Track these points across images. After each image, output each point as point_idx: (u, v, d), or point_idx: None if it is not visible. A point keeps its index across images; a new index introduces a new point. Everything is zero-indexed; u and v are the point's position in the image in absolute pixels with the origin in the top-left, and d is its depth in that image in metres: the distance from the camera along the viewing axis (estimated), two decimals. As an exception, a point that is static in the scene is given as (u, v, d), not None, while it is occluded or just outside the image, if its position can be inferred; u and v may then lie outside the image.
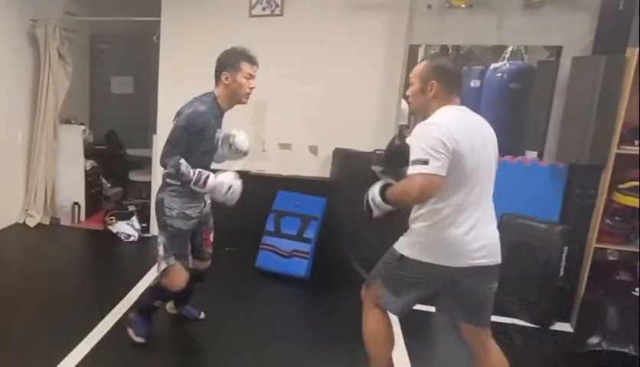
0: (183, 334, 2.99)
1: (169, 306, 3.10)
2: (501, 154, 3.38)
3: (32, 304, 3.20)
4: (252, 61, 2.57)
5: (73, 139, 4.84)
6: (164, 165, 2.48)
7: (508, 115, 3.46)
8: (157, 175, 4.53)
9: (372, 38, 3.89)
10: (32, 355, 2.63)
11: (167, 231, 2.58)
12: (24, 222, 4.74)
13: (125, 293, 3.36)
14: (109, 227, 4.48)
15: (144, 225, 4.52)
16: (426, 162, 1.80)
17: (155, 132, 4.53)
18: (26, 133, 4.81)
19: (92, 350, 2.71)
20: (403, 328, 3.02)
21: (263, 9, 4.12)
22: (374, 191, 2.07)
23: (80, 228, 4.77)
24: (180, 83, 4.36)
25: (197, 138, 2.49)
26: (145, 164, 4.98)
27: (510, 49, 3.56)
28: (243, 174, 4.21)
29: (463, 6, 3.53)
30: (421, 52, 3.82)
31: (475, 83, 3.67)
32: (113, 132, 5.56)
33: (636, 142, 3.07)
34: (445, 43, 3.80)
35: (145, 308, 2.84)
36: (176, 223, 2.57)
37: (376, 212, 2.07)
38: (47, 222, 4.78)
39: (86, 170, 4.88)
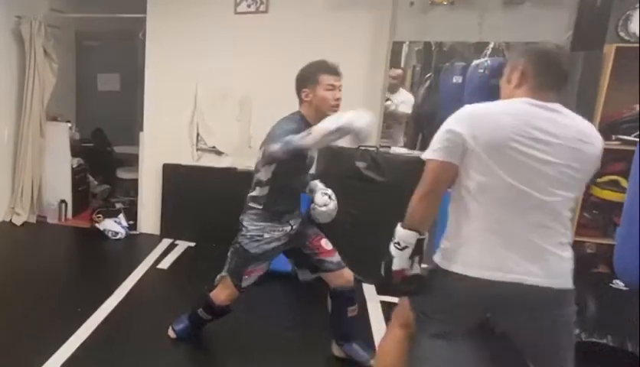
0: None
1: (334, 348, 2.67)
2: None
3: (18, 303, 3.14)
4: (331, 71, 2.33)
5: (60, 137, 4.76)
6: (277, 155, 2.21)
7: (490, 111, 3.45)
8: (144, 172, 4.50)
9: (356, 35, 3.86)
10: (18, 354, 2.58)
11: (235, 247, 2.49)
12: (11, 220, 4.65)
13: (113, 291, 3.31)
14: (97, 225, 4.41)
15: (131, 222, 4.46)
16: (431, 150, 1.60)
17: (141, 129, 4.47)
18: (12, 131, 4.71)
19: (78, 349, 2.66)
20: (387, 319, 3.02)
21: (248, 6, 4.07)
22: (395, 235, 1.68)
23: (67, 226, 4.70)
24: (166, 80, 4.32)
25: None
26: (132, 161, 4.91)
27: (491, 45, 3.55)
28: (229, 171, 4.24)
29: (445, 3, 3.52)
30: (404, 49, 3.80)
31: (457, 79, 3.65)
32: (100, 130, 5.49)
33: (614, 137, 3.08)
34: (428, 40, 3.78)
35: (192, 315, 2.74)
36: (246, 244, 2.43)
37: (400, 263, 1.65)
38: (34, 220, 4.71)
39: (72, 168, 4.79)
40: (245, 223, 2.45)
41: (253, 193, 2.45)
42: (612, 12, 3.09)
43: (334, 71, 2.34)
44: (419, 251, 1.65)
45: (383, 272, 1.69)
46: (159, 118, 4.38)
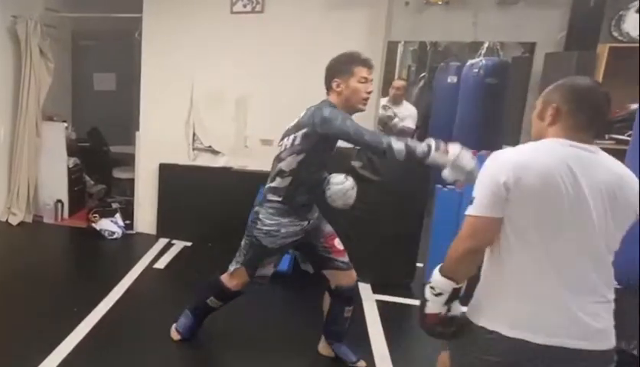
0: (167, 330, 2.92)
1: (321, 346, 2.68)
2: (478, 149, 3.42)
3: (14, 303, 3.12)
4: (366, 64, 2.28)
5: (56, 136, 4.72)
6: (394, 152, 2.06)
7: (485, 110, 3.46)
8: (140, 172, 4.48)
9: (351, 34, 3.84)
10: (14, 354, 2.55)
11: (250, 239, 2.44)
12: (7, 220, 4.61)
13: (109, 291, 3.29)
14: (93, 224, 4.38)
15: (128, 222, 4.44)
16: (471, 201, 1.46)
17: (138, 129, 4.44)
18: (8, 130, 4.67)
19: (74, 349, 2.64)
20: (382, 318, 3.03)
21: (244, 6, 4.05)
22: (431, 278, 1.55)
23: (63, 226, 4.66)
24: (162, 80, 4.30)
25: (328, 145, 2.26)
26: (128, 161, 4.88)
27: (486, 45, 3.56)
28: (225, 170, 4.23)
29: (440, 3, 3.53)
30: (400, 48, 3.80)
31: (452, 79, 3.66)
32: (96, 129, 5.44)
33: (607, 137, 3.09)
34: (423, 39, 3.80)
35: (197, 308, 2.69)
36: (262, 238, 2.38)
37: (434, 308, 1.52)
38: (30, 220, 4.67)
39: (69, 168, 4.75)
40: (261, 216, 2.38)
41: (273, 184, 2.36)
42: (605, 12, 3.10)
43: (369, 64, 2.29)
44: (455, 297, 1.53)
45: (418, 315, 1.58)
46: (155, 118, 4.36)
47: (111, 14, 4.59)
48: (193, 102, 4.29)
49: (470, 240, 1.46)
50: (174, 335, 2.76)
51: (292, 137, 2.29)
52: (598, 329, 1.43)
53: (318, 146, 2.23)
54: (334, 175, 2.39)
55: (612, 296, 1.48)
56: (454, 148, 1.96)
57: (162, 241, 4.23)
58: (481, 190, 1.45)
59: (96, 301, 3.12)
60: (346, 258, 2.50)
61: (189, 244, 4.20)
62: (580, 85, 1.51)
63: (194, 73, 4.22)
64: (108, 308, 3.08)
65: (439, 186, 3.23)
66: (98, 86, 5.86)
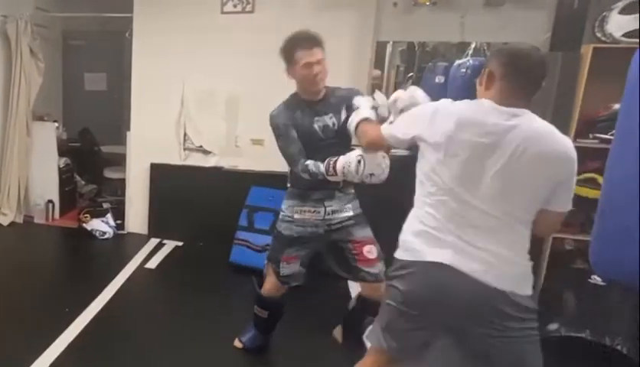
0: (158, 330, 2.91)
1: (337, 331, 2.66)
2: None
3: (5, 303, 3.07)
4: (305, 45, 2.16)
5: (47, 136, 4.67)
6: (300, 175, 2.21)
7: (472, 110, 3.48)
8: (131, 172, 4.44)
9: (341, 35, 3.83)
10: (5, 355, 2.52)
11: (273, 233, 2.42)
12: (-3, 220, 4.57)
13: (101, 291, 3.26)
14: (84, 225, 4.34)
15: (119, 222, 4.40)
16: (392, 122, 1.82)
17: (129, 129, 4.41)
18: (-2, 130, 4.62)
19: (66, 349, 2.61)
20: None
21: (235, 6, 4.03)
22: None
23: (54, 226, 4.62)
24: (153, 80, 4.26)
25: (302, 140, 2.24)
26: (119, 161, 4.84)
27: (473, 45, 3.56)
28: (216, 170, 4.20)
29: (428, 4, 3.51)
30: (388, 49, 3.80)
31: (439, 79, 3.65)
32: (87, 129, 5.39)
33: (591, 136, 3.11)
34: (411, 40, 3.79)
35: (254, 318, 2.59)
36: (280, 225, 2.35)
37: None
38: (21, 221, 4.62)
39: (59, 168, 4.71)
40: (281, 205, 2.37)
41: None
42: (589, 14, 3.11)
43: (309, 43, 2.17)
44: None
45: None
46: (146, 118, 4.32)
47: (101, 14, 4.56)
48: (184, 102, 4.25)
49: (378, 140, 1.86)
50: (237, 343, 2.69)
51: None
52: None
53: (282, 139, 2.30)
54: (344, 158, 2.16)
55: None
56: (340, 164, 2.08)
57: (153, 241, 4.21)
58: (403, 118, 1.74)
59: (87, 301, 3.09)
60: (374, 269, 2.29)
61: (180, 244, 4.17)
62: (514, 50, 1.52)
63: (185, 73, 4.18)
64: (99, 308, 3.05)
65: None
66: (89, 86, 5.81)
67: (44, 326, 2.79)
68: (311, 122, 2.26)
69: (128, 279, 3.52)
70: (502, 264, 1.51)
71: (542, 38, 3.30)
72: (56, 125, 4.80)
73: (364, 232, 2.34)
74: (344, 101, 2.27)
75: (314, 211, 2.28)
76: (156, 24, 4.20)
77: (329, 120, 2.27)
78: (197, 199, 4.09)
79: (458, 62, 3.64)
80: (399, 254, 1.67)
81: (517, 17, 3.38)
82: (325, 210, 2.28)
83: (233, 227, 3.79)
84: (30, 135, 4.59)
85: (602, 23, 3.09)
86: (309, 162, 2.17)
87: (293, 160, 2.22)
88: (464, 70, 3.50)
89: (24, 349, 2.56)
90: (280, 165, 4.08)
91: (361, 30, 3.79)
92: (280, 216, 2.35)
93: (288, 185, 2.36)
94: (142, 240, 4.23)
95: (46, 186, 4.68)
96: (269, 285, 2.46)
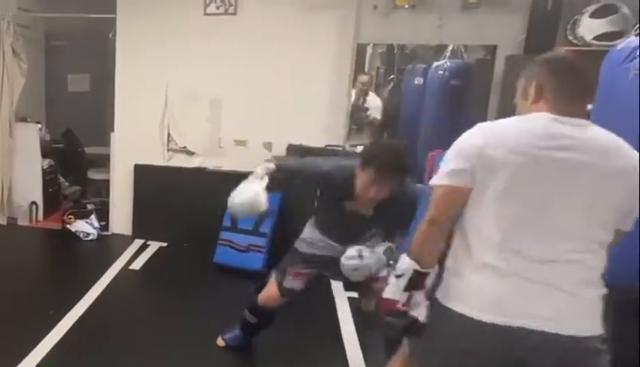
0: (143, 331, 2.92)
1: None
2: (443, 149, 3.48)
3: (-13, 307, 3.06)
4: (385, 177, 2.02)
5: (30, 138, 4.62)
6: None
7: (449, 111, 3.53)
8: (115, 173, 4.43)
9: (322, 37, 3.87)
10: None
11: (290, 248, 2.46)
12: (-20, 222, 4.53)
13: (85, 293, 3.25)
14: (68, 226, 4.31)
15: (103, 223, 4.38)
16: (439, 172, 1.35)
17: (112, 130, 4.39)
18: (-20, 132, 4.57)
19: (51, 351, 2.61)
20: (354, 315, 3.07)
21: (217, 8, 4.03)
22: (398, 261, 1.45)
23: (38, 228, 4.58)
24: (137, 81, 4.25)
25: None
26: (103, 162, 4.80)
27: (450, 48, 3.63)
28: (200, 171, 4.22)
29: (406, 6, 3.56)
30: (369, 51, 3.84)
31: (418, 81, 3.72)
32: (70, 130, 5.34)
33: (564, 135, 3.18)
34: (390, 42, 3.83)
35: (241, 319, 2.61)
36: (297, 243, 2.43)
37: (392, 291, 1.41)
38: (4, 222, 4.57)
39: (43, 169, 4.66)
40: (306, 226, 2.46)
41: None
42: (562, 17, 3.19)
43: (387, 178, 2.02)
44: (417, 284, 1.39)
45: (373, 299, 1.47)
46: (130, 119, 4.31)
47: (84, 15, 4.52)
48: (167, 103, 4.25)
49: (431, 211, 1.35)
50: (219, 341, 2.71)
51: None
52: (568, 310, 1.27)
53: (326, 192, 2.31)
54: (349, 249, 2.18)
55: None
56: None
57: (138, 242, 4.20)
58: (445, 160, 1.35)
59: (71, 303, 3.08)
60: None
61: (165, 244, 4.17)
62: (558, 57, 1.42)
63: (169, 74, 4.18)
64: (84, 310, 3.04)
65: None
66: (72, 87, 5.74)
67: (28, 328, 2.78)
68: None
69: (113, 280, 3.51)
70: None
71: (517, 40, 3.37)
72: (39, 126, 4.75)
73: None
74: (403, 206, 2.14)
75: (330, 241, 2.34)
76: (139, 25, 4.18)
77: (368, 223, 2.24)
78: (181, 200, 4.09)
79: (436, 64, 3.71)
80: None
81: (492, 20, 3.45)
82: (345, 247, 2.25)
83: (217, 227, 3.80)
84: (13, 137, 4.54)
85: (574, 26, 3.16)
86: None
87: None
88: (441, 72, 3.57)
89: (8, 351, 2.55)
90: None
91: (342, 33, 3.82)
92: (301, 237, 2.43)
93: (314, 215, 2.42)
94: (126, 241, 4.22)
95: (29, 187, 4.63)
96: (267, 294, 2.45)
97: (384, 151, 2.06)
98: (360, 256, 2.14)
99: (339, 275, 2.33)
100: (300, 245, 2.40)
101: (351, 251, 2.15)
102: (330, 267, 2.33)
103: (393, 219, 2.16)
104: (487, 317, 1.27)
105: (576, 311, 1.27)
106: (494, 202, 1.29)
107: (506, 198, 1.29)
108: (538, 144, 1.27)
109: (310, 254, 2.36)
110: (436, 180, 1.36)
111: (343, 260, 2.16)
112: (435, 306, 1.39)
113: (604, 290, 1.31)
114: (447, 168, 1.33)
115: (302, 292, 2.42)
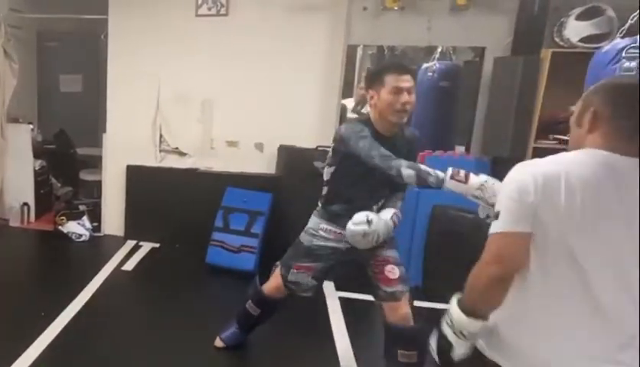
0: (136, 332, 2.90)
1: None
2: (432, 149, 3.51)
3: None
4: (398, 70, 2.01)
5: (21, 138, 4.56)
6: (387, 157, 1.95)
7: (439, 112, 3.55)
8: (107, 174, 4.40)
9: (313, 38, 3.86)
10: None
11: (295, 241, 2.36)
12: (-28, 224, 4.48)
13: (77, 294, 3.22)
14: (60, 227, 4.27)
15: (95, 224, 4.34)
16: (497, 216, 1.19)
17: (104, 131, 4.36)
18: (-29, 133, 4.52)
19: (41, 354, 2.57)
20: (345, 315, 3.07)
21: (209, 9, 4.01)
22: (450, 317, 1.26)
23: (29, 229, 4.53)
24: (129, 82, 4.22)
25: (354, 161, 2.03)
26: (95, 163, 4.76)
27: (439, 50, 3.64)
28: (192, 172, 4.20)
29: (396, 8, 3.56)
30: (359, 52, 3.84)
31: (408, 82, 3.74)
32: (63, 131, 5.29)
33: (551, 137, 3.21)
34: (380, 43, 3.83)
35: (239, 314, 2.57)
36: (302, 236, 2.31)
37: (463, 352, 1.24)
38: (-4, 224, 4.54)
39: (35, 170, 4.61)
40: (310, 219, 2.33)
41: (321, 191, 2.28)
42: (548, 19, 3.20)
43: (401, 70, 2.02)
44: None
45: (437, 358, 1.29)
46: (122, 120, 4.27)
47: (76, 16, 4.48)
48: (159, 104, 4.23)
49: (496, 264, 1.17)
50: (218, 342, 2.67)
51: (330, 149, 2.21)
52: None
53: (345, 161, 2.10)
54: (357, 214, 2.09)
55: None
56: (475, 178, 1.77)
57: (130, 243, 4.17)
58: (506, 203, 1.18)
59: (63, 305, 3.05)
60: (392, 288, 2.15)
61: (157, 245, 4.14)
62: (624, 84, 1.24)
63: (161, 75, 4.15)
64: (76, 311, 3.01)
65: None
66: (64, 88, 5.69)
67: (19, 331, 2.75)
68: None
69: (105, 281, 3.48)
70: None
71: (504, 42, 3.39)
72: (31, 126, 4.70)
73: (390, 252, 2.22)
74: (407, 144, 2.15)
75: (339, 233, 2.20)
76: (131, 26, 4.15)
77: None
78: (173, 201, 4.07)
79: (425, 65, 3.73)
80: None
81: (480, 22, 3.46)
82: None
83: (209, 228, 3.79)
84: (4, 137, 4.48)
85: (560, 28, 3.19)
86: (402, 161, 1.92)
87: (386, 155, 1.95)
88: (431, 73, 3.59)
89: (-2, 354, 2.52)
90: (255, 166, 4.14)
91: (333, 34, 3.81)
92: (305, 229, 2.32)
93: (320, 204, 2.28)
94: (118, 242, 4.18)
95: (21, 188, 4.58)
96: (273, 285, 2.41)
97: (384, 63, 2.03)
98: (369, 221, 2.04)
99: (348, 265, 2.29)
100: (303, 237, 2.31)
101: (359, 216, 2.04)
102: (341, 256, 2.25)
103: (408, 141, 2.14)
104: None
105: None
106: None
107: None
108: (597, 187, 1.14)
109: (314, 248, 2.26)
110: (498, 226, 1.21)
111: (350, 226, 2.02)
112: None
113: None
114: (510, 213, 1.20)
115: (313, 286, 2.32)
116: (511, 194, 1.17)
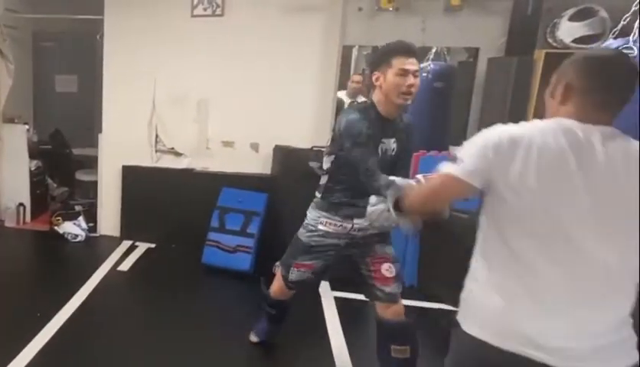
0: (132, 332, 2.89)
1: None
2: (427, 150, 3.51)
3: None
4: (406, 52, 1.95)
5: (17, 139, 4.54)
6: (371, 175, 1.92)
7: (433, 113, 3.55)
8: (103, 174, 4.38)
9: (309, 39, 3.86)
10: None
11: (293, 238, 2.30)
12: (-33, 224, 4.46)
13: (73, 294, 3.20)
14: (56, 228, 4.25)
15: (91, 224, 4.32)
16: (455, 159, 1.25)
17: (100, 131, 4.34)
18: (-33, 133, 4.49)
19: (37, 354, 2.56)
20: (340, 315, 3.07)
21: (205, 9, 4.00)
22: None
23: (25, 230, 4.50)
24: (124, 82, 4.21)
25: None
26: (91, 163, 4.75)
27: (434, 50, 3.65)
28: (188, 172, 4.19)
29: (391, 9, 3.57)
30: (354, 53, 3.84)
31: (403, 82, 3.74)
32: (58, 131, 5.27)
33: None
34: (375, 44, 3.84)
35: (265, 313, 2.58)
36: (300, 232, 2.24)
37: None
38: (-8, 224, 4.52)
39: (31, 171, 4.59)
40: (307, 212, 2.24)
41: (319, 182, 2.21)
42: (542, 20, 3.21)
43: (410, 51, 1.97)
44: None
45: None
46: (118, 120, 4.26)
47: (72, 16, 4.46)
48: (155, 105, 4.22)
49: (433, 202, 1.37)
50: (252, 337, 2.70)
51: (330, 137, 2.17)
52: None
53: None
54: (373, 196, 1.98)
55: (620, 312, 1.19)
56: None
57: (126, 244, 4.15)
58: (468, 150, 1.23)
59: (59, 305, 3.03)
60: (389, 288, 2.15)
61: (153, 245, 4.13)
62: (596, 56, 1.25)
63: (156, 75, 4.14)
64: (72, 312, 3.00)
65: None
66: (60, 88, 5.67)
67: (15, 331, 2.73)
68: (377, 143, 2.04)
69: (101, 282, 3.47)
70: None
71: (498, 43, 3.40)
72: (26, 127, 4.67)
73: (386, 249, 2.20)
74: (406, 129, 2.13)
75: (340, 225, 2.15)
76: (127, 26, 4.13)
77: (392, 145, 2.09)
78: (169, 201, 4.06)
79: (420, 66, 3.73)
80: None
81: (474, 23, 3.47)
82: (352, 226, 2.15)
83: (205, 228, 3.78)
84: (0, 138, 4.48)
85: (553, 29, 3.20)
86: (382, 182, 1.86)
87: (371, 173, 1.93)
88: (425, 74, 3.59)
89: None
90: (251, 167, 4.14)
91: (328, 35, 3.81)
92: (303, 224, 2.24)
93: (318, 195, 2.20)
94: (114, 242, 4.17)
95: (17, 189, 4.56)
96: (276, 288, 2.42)
97: (390, 44, 2.00)
98: (384, 201, 1.92)
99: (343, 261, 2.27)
100: (301, 234, 2.25)
101: (373, 198, 1.91)
102: (339, 252, 2.22)
103: (404, 143, 2.11)
104: None
105: None
106: None
107: None
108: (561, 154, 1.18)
109: (313, 245, 2.21)
110: (456, 170, 1.27)
111: (370, 209, 1.89)
112: None
113: None
114: (469, 164, 1.26)
115: (312, 280, 2.33)
116: (476, 146, 1.22)
